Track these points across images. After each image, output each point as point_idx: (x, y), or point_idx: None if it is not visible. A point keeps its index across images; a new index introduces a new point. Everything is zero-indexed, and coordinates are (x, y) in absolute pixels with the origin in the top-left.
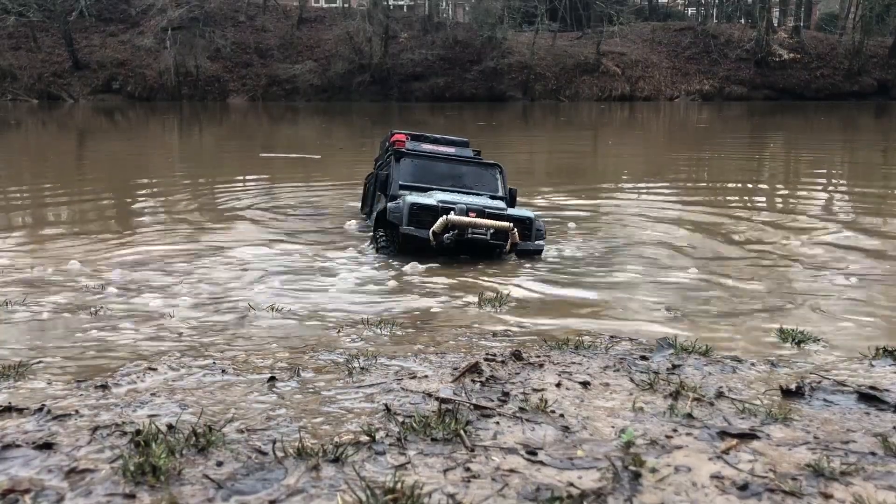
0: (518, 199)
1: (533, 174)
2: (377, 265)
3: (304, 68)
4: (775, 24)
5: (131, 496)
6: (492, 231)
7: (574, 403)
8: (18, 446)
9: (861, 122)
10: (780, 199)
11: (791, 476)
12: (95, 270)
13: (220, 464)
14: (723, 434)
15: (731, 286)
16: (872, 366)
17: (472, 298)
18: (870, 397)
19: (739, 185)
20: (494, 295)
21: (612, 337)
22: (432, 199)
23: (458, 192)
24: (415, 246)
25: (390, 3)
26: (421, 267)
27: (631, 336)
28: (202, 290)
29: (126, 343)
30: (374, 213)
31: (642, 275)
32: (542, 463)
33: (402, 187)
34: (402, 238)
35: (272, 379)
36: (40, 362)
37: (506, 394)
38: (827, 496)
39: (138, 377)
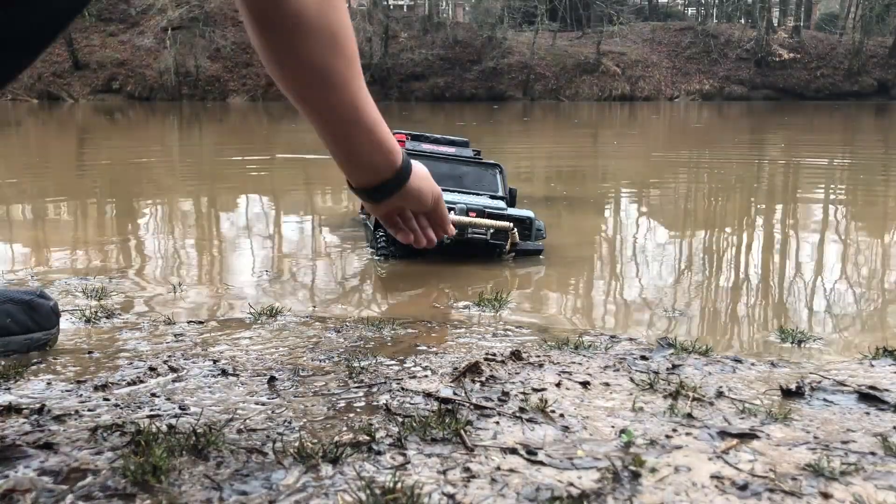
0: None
1: (531, 173)
2: (376, 265)
3: None
4: (775, 24)
5: (131, 496)
6: (492, 231)
7: (574, 403)
8: (18, 446)
9: (862, 122)
10: (779, 199)
11: (791, 476)
12: (95, 270)
13: (220, 464)
14: (723, 434)
15: (730, 286)
16: (872, 366)
17: (472, 298)
18: (870, 397)
19: (739, 185)
20: (494, 295)
21: (612, 337)
22: None
23: (458, 191)
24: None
25: (390, 2)
26: (420, 267)
27: (631, 336)
28: (201, 291)
29: (126, 343)
30: None
31: (642, 274)
32: (541, 463)
33: None
34: None
35: (272, 379)
36: (40, 362)
37: (506, 393)
38: (827, 496)
39: (138, 377)
